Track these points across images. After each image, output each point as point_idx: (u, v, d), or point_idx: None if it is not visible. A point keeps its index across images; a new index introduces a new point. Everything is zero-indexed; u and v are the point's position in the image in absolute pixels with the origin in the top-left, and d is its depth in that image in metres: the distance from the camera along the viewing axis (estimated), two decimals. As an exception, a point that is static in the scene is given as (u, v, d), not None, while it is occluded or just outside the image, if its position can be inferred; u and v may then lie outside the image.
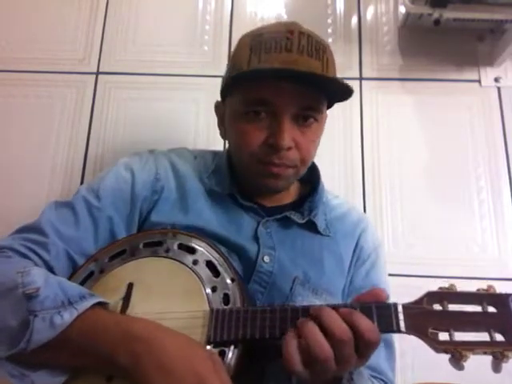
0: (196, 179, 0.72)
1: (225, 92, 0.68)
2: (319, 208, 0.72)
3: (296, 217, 0.70)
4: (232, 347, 0.52)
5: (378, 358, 0.67)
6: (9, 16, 1.19)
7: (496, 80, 1.09)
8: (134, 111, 1.11)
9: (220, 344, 0.52)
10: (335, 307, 0.49)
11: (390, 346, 0.70)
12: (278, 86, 0.59)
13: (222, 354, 0.51)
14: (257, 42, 0.61)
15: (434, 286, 0.52)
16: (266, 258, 0.65)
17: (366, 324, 0.47)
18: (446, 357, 0.47)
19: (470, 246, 1.00)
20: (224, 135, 0.73)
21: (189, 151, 0.78)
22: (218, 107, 0.74)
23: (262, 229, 0.68)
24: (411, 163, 1.05)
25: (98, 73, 1.14)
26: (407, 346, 0.93)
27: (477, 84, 1.10)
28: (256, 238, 0.67)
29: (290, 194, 0.75)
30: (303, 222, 0.70)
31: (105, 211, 0.65)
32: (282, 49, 0.59)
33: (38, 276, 0.52)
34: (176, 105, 1.09)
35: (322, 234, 0.71)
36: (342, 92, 0.62)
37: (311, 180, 0.77)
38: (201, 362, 0.47)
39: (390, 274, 0.90)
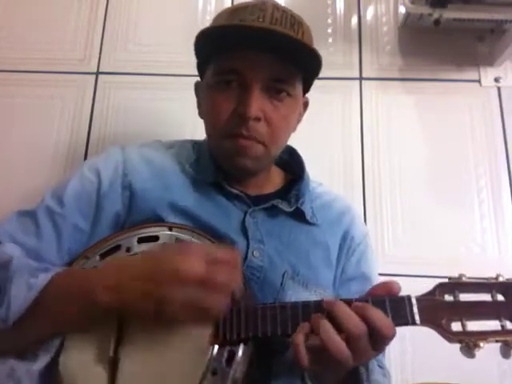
0: (176, 170, 0.69)
1: (201, 67, 0.69)
2: (306, 196, 0.70)
3: (283, 205, 0.68)
4: (242, 345, 0.51)
5: None
6: (9, 16, 1.18)
7: (496, 80, 1.09)
8: (133, 111, 1.11)
9: (230, 343, 0.50)
10: (347, 301, 0.48)
11: None
12: (249, 55, 0.59)
13: (232, 353, 0.50)
14: (233, 13, 0.62)
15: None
16: (256, 253, 0.63)
17: (381, 319, 0.46)
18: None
19: (470, 246, 1.00)
20: (201, 114, 0.72)
21: (161, 143, 0.76)
22: (197, 87, 0.73)
23: (249, 219, 0.66)
24: (411, 163, 1.05)
25: (97, 73, 1.14)
26: (407, 346, 0.93)
27: (477, 84, 1.10)
28: (244, 230, 0.65)
29: (274, 183, 0.74)
30: (291, 210, 0.68)
31: (69, 218, 0.62)
32: (256, 19, 0.59)
33: (10, 249, 0.56)
34: (176, 105, 1.09)
35: (309, 223, 0.69)
36: (313, 63, 0.61)
37: (294, 168, 0.76)
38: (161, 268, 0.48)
39: (389, 274, 0.91)
